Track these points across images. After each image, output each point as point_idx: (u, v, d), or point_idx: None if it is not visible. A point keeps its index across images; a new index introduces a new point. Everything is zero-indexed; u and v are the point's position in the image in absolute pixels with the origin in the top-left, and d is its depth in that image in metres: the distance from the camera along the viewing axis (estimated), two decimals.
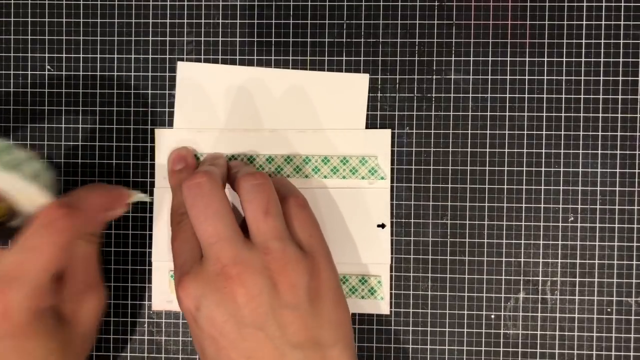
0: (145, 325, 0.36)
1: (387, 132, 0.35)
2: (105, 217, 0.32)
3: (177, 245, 0.31)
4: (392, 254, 0.36)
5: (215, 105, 0.36)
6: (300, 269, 0.29)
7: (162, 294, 0.36)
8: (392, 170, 0.36)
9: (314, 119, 0.35)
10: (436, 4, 0.35)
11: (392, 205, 0.36)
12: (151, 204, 0.36)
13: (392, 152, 0.36)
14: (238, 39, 0.36)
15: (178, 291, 0.29)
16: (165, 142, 0.36)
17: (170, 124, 0.36)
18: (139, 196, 0.33)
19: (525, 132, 0.35)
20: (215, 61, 0.36)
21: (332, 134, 0.35)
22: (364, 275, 0.35)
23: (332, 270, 0.30)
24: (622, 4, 0.35)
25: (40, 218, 0.29)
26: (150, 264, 0.36)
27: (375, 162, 0.35)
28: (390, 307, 0.36)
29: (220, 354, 0.28)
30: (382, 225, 0.35)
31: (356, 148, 0.35)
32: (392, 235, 0.35)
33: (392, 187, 0.36)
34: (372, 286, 0.35)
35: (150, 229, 0.36)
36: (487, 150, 0.35)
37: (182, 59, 0.36)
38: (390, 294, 0.36)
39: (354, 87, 0.35)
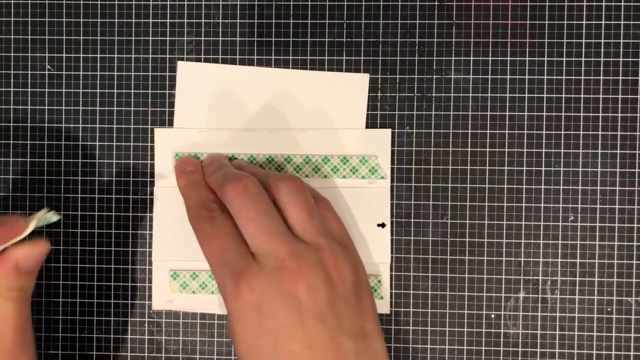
0: (146, 325, 0.36)
1: (387, 132, 0.35)
2: (9, 261, 0.29)
3: (219, 242, 0.30)
4: (392, 253, 0.36)
5: (216, 105, 0.36)
6: (347, 265, 0.30)
7: (163, 293, 0.36)
8: (392, 170, 0.36)
9: (314, 119, 0.35)
10: (436, 3, 0.35)
11: (392, 205, 0.36)
12: (151, 201, 0.36)
13: (392, 151, 0.36)
14: (238, 39, 0.36)
15: (242, 287, 0.29)
16: (165, 141, 0.36)
17: (170, 124, 0.36)
18: (44, 218, 0.30)
19: (525, 131, 0.35)
20: (216, 61, 0.36)
21: (332, 133, 0.35)
22: None
23: (363, 266, 0.32)
24: (622, 4, 0.35)
25: None
26: (150, 264, 0.36)
27: (375, 162, 0.35)
28: (391, 307, 0.36)
29: (280, 347, 0.28)
30: (382, 225, 0.35)
31: (356, 148, 0.35)
32: (392, 235, 0.35)
33: (392, 186, 0.36)
34: (372, 286, 0.35)
35: (151, 229, 0.36)
36: (487, 150, 0.35)
37: (182, 59, 0.36)
38: (391, 293, 0.36)
39: (354, 86, 0.35)
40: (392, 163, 0.36)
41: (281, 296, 0.28)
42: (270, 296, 0.28)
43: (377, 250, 0.35)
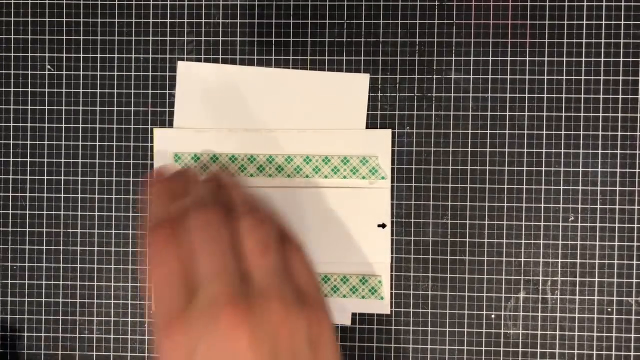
0: (146, 325, 0.36)
1: (387, 132, 0.35)
2: None
3: (163, 272, 0.27)
4: (392, 253, 0.36)
5: (215, 105, 0.36)
6: (300, 319, 0.26)
7: None
8: (392, 170, 0.36)
9: (314, 119, 0.35)
10: (436, 3, 0.35)
11: (392, 205, 0.36)
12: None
13: (392, 152, 0.36)
14: (238, 39, 0.36)
15: (164, 336, 0.25)
16: (164, 141, 0.36)
17: (171, 124, 0.36)
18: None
19: (526, 131, 0.35)
20: (216, 61, 0.36)
21: (333, 133, 0.35)
22: (364, 275, 0.35)
23: (330, 321, 0.28)
24: (622, 4, 0.35)
25: None
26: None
27: (375, 162, 0.35)
28: (391, 307, 0.36)
29: None
30: (383, 225, 0.35)
31: (356, 148, 0.35)
32: (392, 235, 0.35)
33: (392, 187, 0.36)
34: (372, 286, 0.35)
35: None
36: (487, 150, 0.35)
37: (182, 59, 0.36)
38: (391, 293, 0.36)
39: (354, 86, 0.35)
40: (392, 163, 0.36)
41: (214, 352, 0.25)
42: (202, 351, 0.25)
43: (377, 251, 0.35)
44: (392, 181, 0.35)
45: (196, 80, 0.36)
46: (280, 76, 0.36)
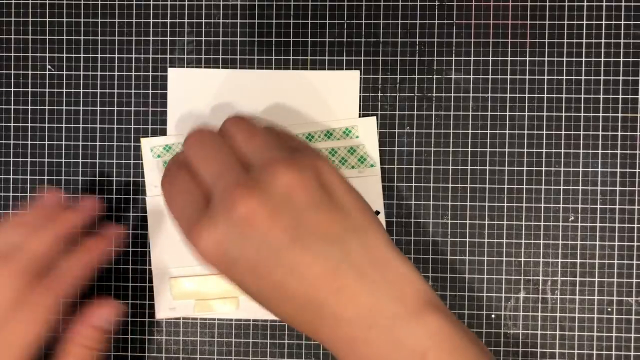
0: (146, 325, 0.36)
1: (372, 120, 0.35)
2: (91, 319, 0.32)
3: (178, 199, 0.29)
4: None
5: (207, 110, 0.36)
6: (307, 170, 0.28)
7: (165, 301, 0.36)
8: (392, 170, 0.36)
9: (307, 119, 0.35)
10: (436, 3, 0.35)
11: (392, 205, 0.36)
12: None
13: (392, 152, 0.36)
14: (238, 39, 0.36)
15: (196, 236, 0.27)
16: (152, 151, 0.36)
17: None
18: None
19: (526, 131, 0.35)
20: (216, 61, 0.36)
21: (320, 125, 0.35)
22: None
23: (333, 165, 0.29)
24: (622, 4, 0.35)
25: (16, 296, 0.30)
26: (150, 264, 0.36)
27: (363, 151, 0.35)
28: None
29: (263, 281, 0.26)
30: (377, 213, 0.35)
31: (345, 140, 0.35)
32: (387, 217, 0.36)
33: (392, 187, 0.36)
34: None
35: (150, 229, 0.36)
36: (487, 150, 0.35)
37: (182, 59, 0.36)
38: None
39: (345, 84, 0.35)
40: (393, 163, 0.36)
41: (243, 235, 0.26)
42: (232, 240, 0.26)
43: None
44: (392, 181, 0.35)
45: (187, 86, 0.36)
46: (271, 77, 0.36)
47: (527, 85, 0.35)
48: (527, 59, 0.35)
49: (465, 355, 0.26)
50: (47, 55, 0.36)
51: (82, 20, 0.36)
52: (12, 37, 0.37)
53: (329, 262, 0.26)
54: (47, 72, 0.37)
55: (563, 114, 0.35)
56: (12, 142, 0.37)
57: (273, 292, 0.27)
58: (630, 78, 0.35)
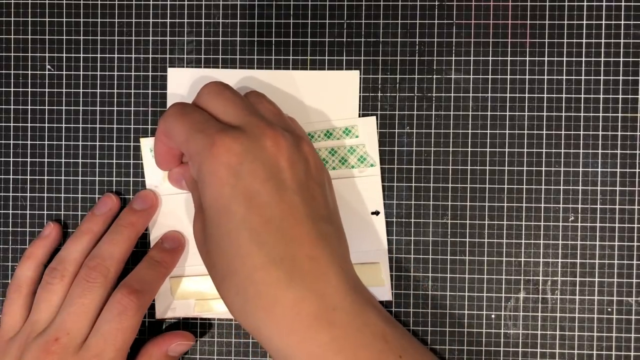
0: (146, 324, 0.36)
1: (372, 120, 0.35)
2: (165, 345, 0.34)
3: (192, 117, 0.29)
4: (391, 244, 0.36)
5: None
6: (316, 155, 0.31)
7: (165, 301, 0.36)
8: (392, 170, 0.36)
9: (307, 118, 0.35)
10: (436, 3, 0.35)
11: (392, 205, 0.36)
12: None
13: (392, 152, 0.36)
14: (238, 39, 0.36)
15: (219, 147, 0.27)
16: (151, 151, 0.36)
17: None
18: None
19: (526, 131, 0.35)
20: (216, 61, 0.36)
21: (320, 125, 0.35)
22: (362, 264, 0.35)
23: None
24: (622, 4, 0.35)
25: (115, 304, 0.32)
26: None
27: (363, 150, 0.35)
28: (391, 298, 0.36)
29: (252, 212, 0.27)
30: (377, 213, 0.35)
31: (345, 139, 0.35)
32: (387, 218, 0.36)
33: (392, 187, 0.36)
34: (371, 273, 0.35)
35: (149, 229, 0.36)
36: (487, 150, 0.35)
37: (182, 59, 0.36)
38: (391, 293, 0.36)
39: (345, 84, 0.35)
40: (392, 163, 0.36)
41: (262, 159, 0.28)
42: (251, 157, 0.27)
43: (373, 238, 0.35)
44: (392, 181, 0.35)
45: (186, 86, 0.36)
46: (271, 77, 0.36)
47: (527, 85, 0.35)
48: (527, 59, 0.35)
49: (407, 336, 0.29)
50: (47, 55, 0.36)
51: (82, 20, 0.36)
52: (12, 37, 0.37)
53: (315, 230, 0.28)
54: (47, 72, 0.37)
55: (563, 114, 0.35)
56: (12, 142, 0.37)
57: (258, 225, 0.27)
58: (630, 78, 0.35)
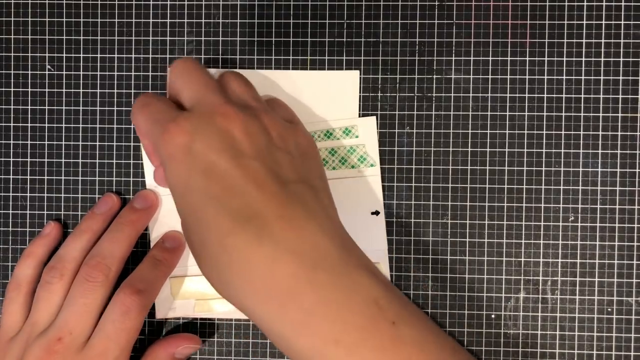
0: (146, 324, 0.36)
1: (372, 120, 0.35)
2: (172, 347, 0.34)
3: (150, 108, 0.30)
4: (391, 244, 0.36)
5: None
6: (286, 126, 0.30)
7: (165, 301, 0.36)
8: (392, 170, 0.36)
9: (307, 118, 0.35)
10: (436, 3, 0.35)
11: (392, 205, 0.36)
12: None
13: (392, 152, 0.36)
14: (238, 39, 0.36)
15: (171, 130, 0.27)
16: None
17: None
18: None
19: (526, 131, 0.35)
20: (216, 61, 0.36)
21: (320, 125, 0.35)
22: None
23: (311, 138, 0.31)
24: (622, 4, 0.35)
25: (118, 304, 0.32)
26: None
27: (363, 150, 0.35)
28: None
29: (212, 182, 0.26)
30: (376, 213, 0.35)
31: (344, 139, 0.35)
32: (387, 217, 0.36)
33: (392, 187, 0.36)
34: None
35: (149, 229, 0.36)
36: (487, 150, 0.35)
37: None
38: None
39: (345, 84, 0.35)
40: (392, 163, 0.36)
41: (213, 132, 0.27)
42: (202, 133, 0.27)
43: (373, 238, 0.35)
44: (392, 181, 0.35)
45: None
46: (271, 77, 0.36)
47: (527, 85, 0.35)
48: (527, 59, 0.35)
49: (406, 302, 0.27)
50: (47, 55, 0.36)
51: (82, 20, 0.36)
52: (12, 37, 0.37)
53: (282, 190, 0.27)
54: (47, 72, 0.37)
55: (563, 114, 0.35)
56: (12, 142, 0.37)
57: (221, 193, 0.26)
58: (630, 78, 0.35)
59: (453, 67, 0.35)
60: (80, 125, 0.36)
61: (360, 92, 0.36)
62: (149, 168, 0.36)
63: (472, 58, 0.35)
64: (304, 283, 0.25)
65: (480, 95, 0.35)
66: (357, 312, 0.25)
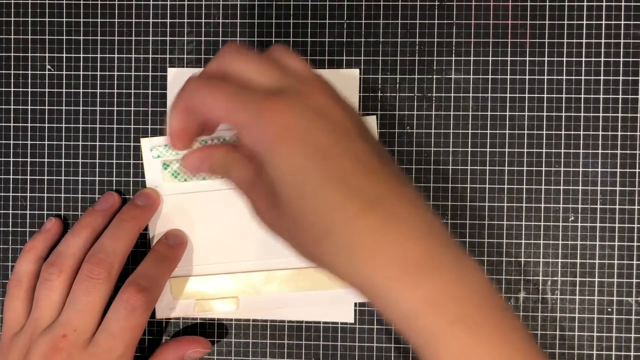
0: (146, 325, 0.36)
1: (372, 120, 0.35)
2: (181, 350, 0.35)
3: (231, 88, 0.28)
4: None
5: None
6: (338, 96, 0.29)
7: (165, 301, 0.36)
8: None
9: None
10: (436, 3, 0.35)
11: None
12: None
13: (392, 152, 0.36)
14: (238, 39, 0.36)
15: (268, 108, 0.26)
16: (151, 151, 0.36)
17: None
18: None
19: (526, 131, 0.35)
20: None
21: None
22: None
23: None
24: (622, 4, 0.35)
25: (123, 303, 0.32)
26: None
27: None
28: None
29: (332, 164, 0.26)
30: None
31: None
32: None
33: None
34: None
35: (149, 229, 0.36)
36: (487, 150, 0.35)
37: (182, 59, 0.36)
38: None
39: (345, 84, 0.35)
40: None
41: (318, 115, 0.27)
42: (307, 115, 0.27)
43: None
44: None
45: None
46: None
47: (527, 85, 0.35)
48: (527, 59, 0.35)
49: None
50: (47, 55, 0.36)
51: (82, 20, 0.36)
52: (12, 37, 0.37)
53: (393, 171, 0.27)
54: (47, 72, 0.37)
55: (563, 114, 0.35)
56: (12, 142, 0.37)
57: (343, 175, 0.26)
58: (630, 78, 0.35)
59: (453, 67, 0.35)
60: (80, 125, 0.36)
61: (360, 92, 0.36)
62: (149, 168, 0.36)
63: (472, 58, 0.35)
64: (436, 262, 0.25)
65: (480, 95, 0.35)
66: (479, 294, 0.25)
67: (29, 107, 0.37)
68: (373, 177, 0.26)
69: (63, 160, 0.36)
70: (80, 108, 0.36)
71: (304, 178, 0.26)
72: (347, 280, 0.26)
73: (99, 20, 0.36)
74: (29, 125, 0.37)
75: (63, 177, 0.36)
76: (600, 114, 0.35)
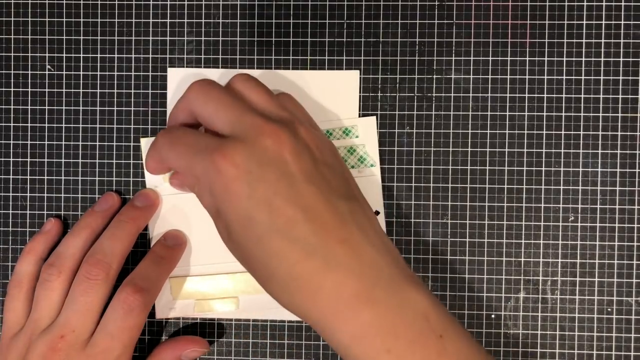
0: (146, 325, 0.36)
1: (372, 120, 0.35)
2: (178, 350, 0.35)
3: (186, 139, 0.30)
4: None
5: None
6: (321, 137, 0.31)
7: (165, 301, 0.36)
8: (392, 170, 0.36)
9: None
10: (436, 3, 0.35)
11: (392, 205, 0.36)
12: None
13: (392, 152, 0.36)
14: (238, 39, 0.36)
15: (221, 163, 0.28)
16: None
17: None
18: None
19: (526, 131, 0.35)
20: (216, 61, 0.36)
21: (321, 125, 0.35)
22: None
23: (335, 147, 0.33)
24: (622, 4, 0.35)
25: (121, 303, 0.32)
26: None
27: (363, 150, 0.35)
28: None
29: (275, 215, 0.28)
30: (377, 212, 0.35)
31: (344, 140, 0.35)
32: (387, 217, 0.36)
33: (392, 187, 0.36)
34: None
35: (149, 229, 0.36)
36: (487, 150, 0.35)
37: (182, 59, 0.36)
38: None
39: (345, 84, 0.35)
40: (392, 163, 0.36)
41: (268, 161, 0.28)
42: (256, 162, 0.28)
43: None
44: (392, 181, 0.35)
45: (187, 87, 0.36)
46: (270, 77, 0.36)
47: (527, 85, 0.35)
48: (527, 59, 0.35)
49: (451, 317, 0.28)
50: (47, 55, 0.36)
51: (82, 20, 0.36)
52: (12, 37, 0.37)
53: (338, 212, 0.28)
54: (47, 72, 0.37)
55: (563, 114, 0.35)
56: (12, 142, 0.37)
57: (285, 225, 0.28)
58: (630, 78, 0.35)
59: (453, 67, 0.35)
60: (80, 125, 0.36)
61: (360, 92, 0.36)
62: (149, 174, 0.36)
63: (472, 58, 0.35)
64: (365, 301, 0.27)
65: (480, 95, 0.35)
66: (408, 325, 0.27)
67: (29, 107, 0.37)
68: (316, 224, 0.28)
69: (63, 160, 0.36)
70: (80, 108, 0.36)
71: (250, 227, 0.28)
72: (293, 313, 0.29)
73: (99, 20, 0.36)
74: (29, 125, 0.37)
75: (63, 177, 0.36)
76: (600, 114, 0.35)
